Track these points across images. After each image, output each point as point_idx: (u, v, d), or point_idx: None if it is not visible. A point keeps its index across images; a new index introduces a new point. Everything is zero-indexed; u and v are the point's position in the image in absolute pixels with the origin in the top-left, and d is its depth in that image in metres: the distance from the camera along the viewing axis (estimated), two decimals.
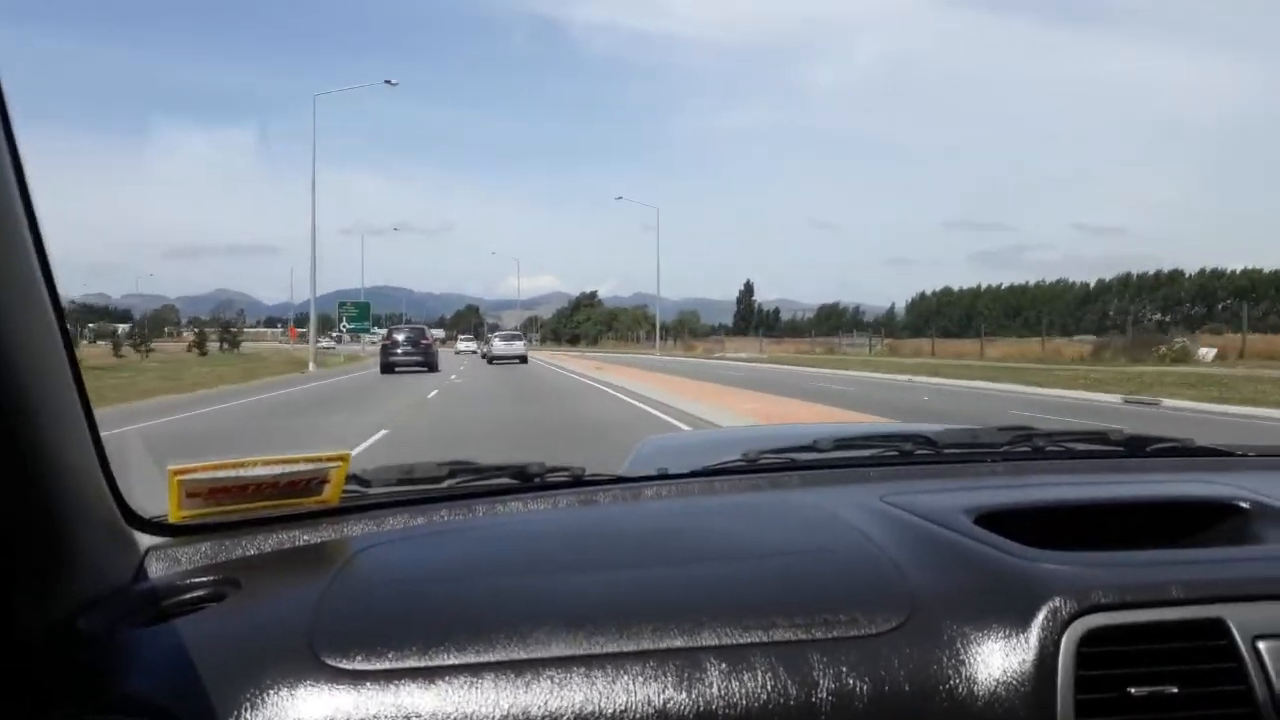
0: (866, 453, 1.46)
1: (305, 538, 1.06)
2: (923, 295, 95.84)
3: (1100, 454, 1.47)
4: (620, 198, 61.32)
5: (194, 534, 1.04)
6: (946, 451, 1.45)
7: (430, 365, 30.44)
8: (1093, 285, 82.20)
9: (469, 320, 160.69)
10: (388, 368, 29.84)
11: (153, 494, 1.06)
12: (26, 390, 0.74)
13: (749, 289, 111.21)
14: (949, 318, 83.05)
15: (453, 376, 25.92)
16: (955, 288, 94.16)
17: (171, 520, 1.03)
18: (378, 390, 20.63)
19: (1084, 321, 68.01)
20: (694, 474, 1.33)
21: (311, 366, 34.66)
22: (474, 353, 62.12)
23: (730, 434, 3.21)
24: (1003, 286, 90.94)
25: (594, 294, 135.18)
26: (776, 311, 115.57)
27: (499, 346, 42.20)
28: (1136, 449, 1.46)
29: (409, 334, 32.45)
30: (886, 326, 79.41)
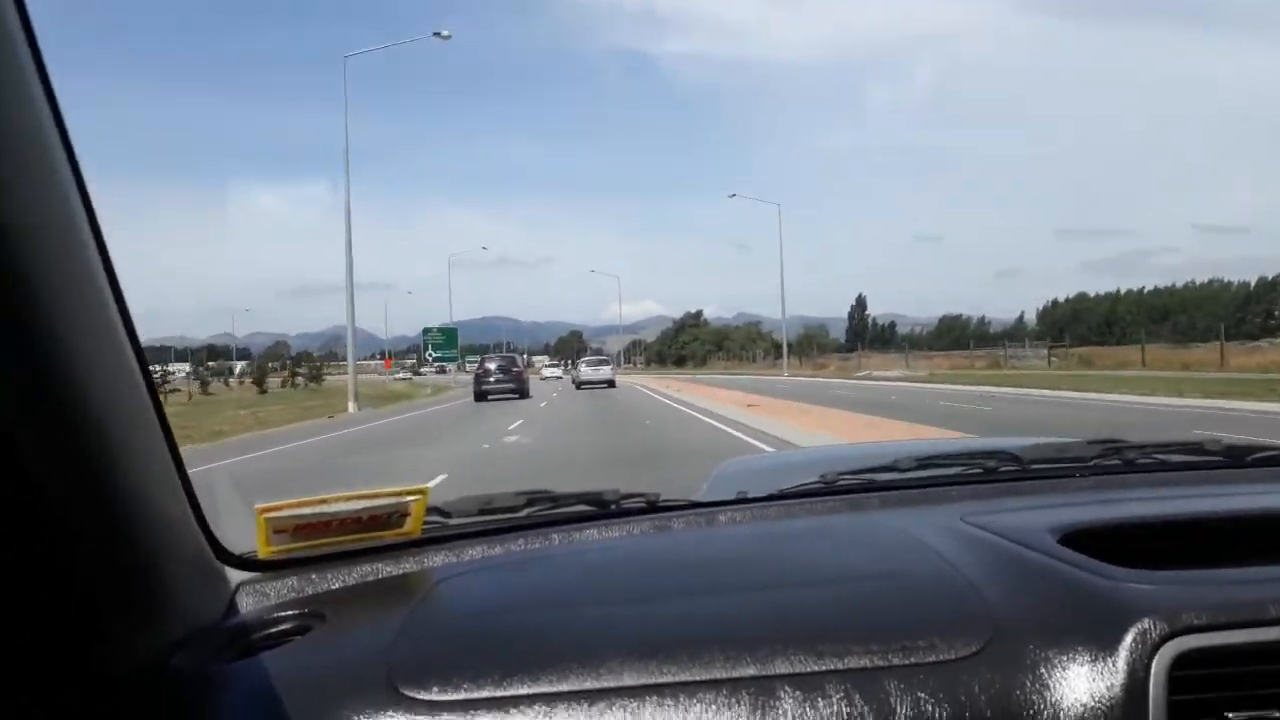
0: (948, 471, 1.41)
1: (388, 570, 1.08)
2: (1055, 303, 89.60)
3: (1196, 465, 1.40)
4: (734, 195, 54.73)
5: (282, 569, 1.06)
6: (1032, 468, 1.39)
7: (521, 392, 30.38)
8: (1254, 285, 72.90)
9: (572, 346, 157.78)
10: (481, 395, 29.83)
11: (240, 531, 1.10)
12: (113, 433, 0.74)
13: (861, 304, 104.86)
14: (1086, 324, 75.87)
15: (510, 429, 16.61)
16: (1086, 295, 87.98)
17: (260, 556, 1.05)
18: (388, 463, 12.20)
19: (1245, 325, 59.91)
20: (770, 498, 1.30)
21: (352, 407, 26.95)
22: (559, 378, 59.37)
23: (811, 455, 3.05)
24: (1145, 290, 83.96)
25: (699, 313, 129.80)
26: (892, 325, 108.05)
27: (586, 371, 40.08)
28: (1236, 459, 1.40)
29: (500, 363, 32.34)
30: (1013, 336, 71.56)
